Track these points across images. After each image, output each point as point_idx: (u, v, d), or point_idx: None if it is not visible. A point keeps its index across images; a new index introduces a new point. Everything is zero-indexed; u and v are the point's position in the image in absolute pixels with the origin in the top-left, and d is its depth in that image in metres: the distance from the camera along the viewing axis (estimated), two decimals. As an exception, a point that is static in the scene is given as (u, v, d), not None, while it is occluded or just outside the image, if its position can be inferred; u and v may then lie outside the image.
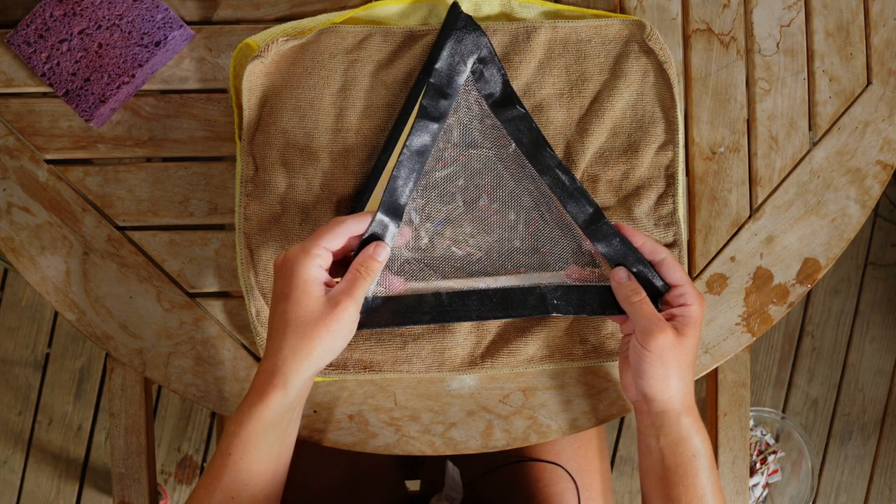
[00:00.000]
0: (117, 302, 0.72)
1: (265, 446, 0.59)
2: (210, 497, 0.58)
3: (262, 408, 0.59)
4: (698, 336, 0.64)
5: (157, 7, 0.69)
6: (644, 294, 0.63)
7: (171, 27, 0.70)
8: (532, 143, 0.68)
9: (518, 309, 0.66)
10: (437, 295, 0.66)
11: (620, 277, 0.65)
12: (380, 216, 0.63)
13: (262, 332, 0.69)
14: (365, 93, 0.71)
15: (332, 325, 0.58)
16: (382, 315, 0.65)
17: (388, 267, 0.66)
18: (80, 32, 0.69)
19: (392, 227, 0.64)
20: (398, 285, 0.66)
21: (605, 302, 0.66)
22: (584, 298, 0.66)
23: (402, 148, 0.65)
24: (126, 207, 0.73)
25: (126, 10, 0.69)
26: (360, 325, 0.63)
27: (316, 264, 0.59)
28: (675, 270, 0.64)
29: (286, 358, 0.59)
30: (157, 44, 0.69)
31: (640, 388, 0.63)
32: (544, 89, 0.72)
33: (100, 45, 0.69)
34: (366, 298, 0.65)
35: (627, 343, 0.65)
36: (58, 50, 0.69)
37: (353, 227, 0.61)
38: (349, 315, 0.59)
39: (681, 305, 0.63)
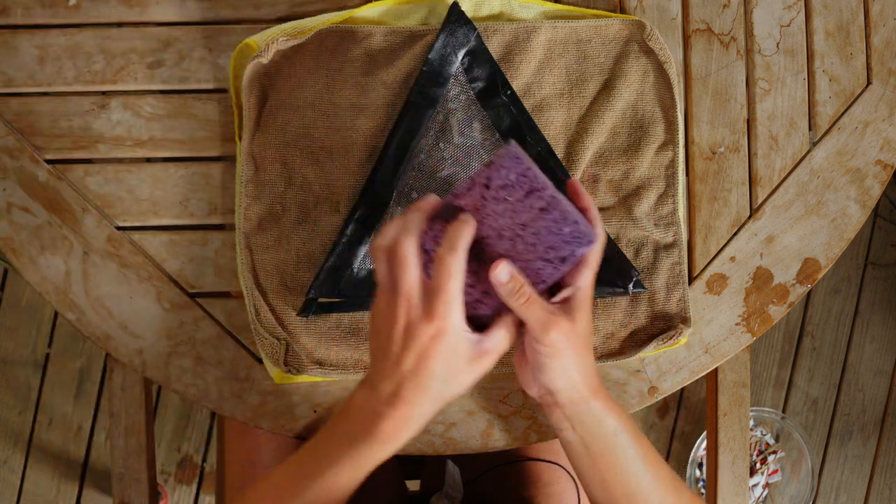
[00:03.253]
0: (117, 302, 0.72)
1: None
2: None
3: (392, 451, 0.58)
4: (590, 312, 0.59)
5: (566, 220, 0.56)
6: (529, 292, 0.57)
7: (579, 242, 0.57)
8: (509, 130, 0.70)
9: None
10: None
11: (500, 277, 0.57)
12: (373, 193, 0.69)
13: (262, 333, 0.69)
14: (365, 92, 0.71)
15: (475, 377, 0.58)
16: (366, 286, 0.69)
17: None
18: (479, 241, 0.58)
19: (382, 206, 0.69)
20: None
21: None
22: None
23: (395, 130, 0.69)
24: (126, 207, 0.73)
25: (531, 219, 0.57)
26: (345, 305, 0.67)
27: (461, 319, 0.56)
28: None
29: (428, 409, 0.57)
30: (563, 259, 0.57)
31: (542, 383, 0.60)
32: (544, 89, 0.72)
33: (499, 257, 0.58)
34: (350, 270, 0.69)
35: (522, 340, 0.62)
36: None
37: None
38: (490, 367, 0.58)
39: (569, 286, 0.59)
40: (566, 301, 0.59)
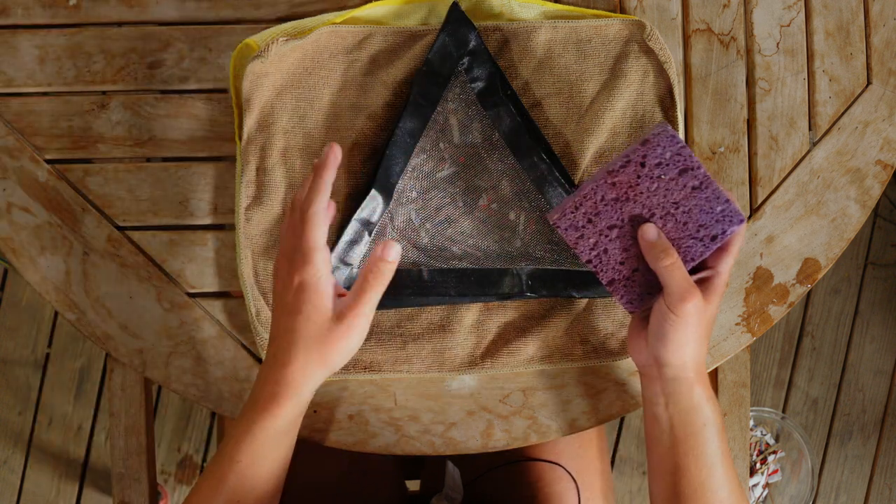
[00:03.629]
0: (117, 302, 0.72)
1: (273, 453, 0.60)
2: (213, 499, 0.59)
3: (274, 418, 0.59)
4: (719, 304, 0.63)
5: (718, 198, 0.60)
6: (676, 256, 0.60)
7: (730, 221, 0.60)
8: (510, 131, 0.70)
9: (495, 288, 0.69)
10: (418, 271, 0.68)
11: (650, 236, 0.60)
12: (374, 193, 0.68)
13: (262, 333, 0.69)
14: (365, 93, 0.71)
15: (341, 343, 0.58)
16: None
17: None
18: (631, 219, 0.61)
19: (381, 206, 0.69)
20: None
21: (579, 284, 0.69)
22: (560, 280, 0.69)
23: (395, 130, 0.69)
24: (126, 207, 0.73)
25: (684, 198, 0.60)
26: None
27: (324, 275, 0.58)
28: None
29: (297, 371, 0.59)
30: (714, 238, 0.60)
31: (655, 352, 0.61)
32: (544, 89, 0.72)
33: None
34: (350, 270, 0.69)
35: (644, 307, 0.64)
36: (606, 236, 0.61)
37: (324, 205, 0.59)
38: (360, 329, 0.58)
39: (710, 268, 0.61)
40: (704, 282, 0.61)
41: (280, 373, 0.59)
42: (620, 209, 0.61)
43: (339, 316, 0.58)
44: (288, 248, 0.60)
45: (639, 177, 0.59)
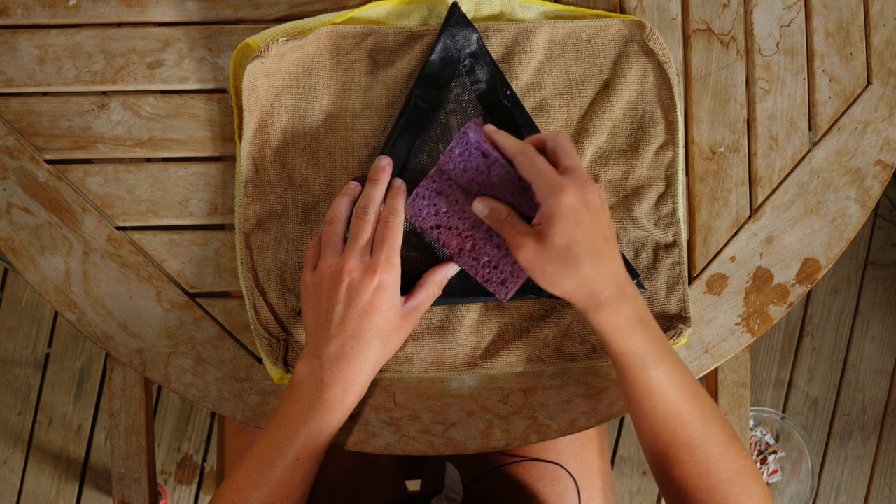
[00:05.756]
0: (117, 302, 0.72)
1: (325, 451, 0.65)
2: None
3: (343, 416, 0.63)
4: (567, 226, 0.57)
5: (503, 164, 0.63)
6: (506, 215, 0.61)
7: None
8: (509, 131, 0.70)
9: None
10: (419, 272, 0.68)
11: (479, 210, 0.63)
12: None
13: (262, 333, 0.69)
14: (365, 93, 0.71)
15: (402, 336, 0.65)
16: None
17: None
18: (475, 222, 0.66)
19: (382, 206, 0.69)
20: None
21: None
22: None
23: (395, 131, 0.69)
24: (126, 207, 0.73)
25: (490, 178, 0.65)
26: None
27: (399, 278, 0.63)
28: (524, 169, 0.60)
29: (372, 368, 0.63)
30: (524, 188, 0.63)
31: (549, 289, 0.61)
32: (544, 90, 0.72)
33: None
34: None
35: None
36: (468, 237, 0.66)
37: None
38: (416, 323, 0.66)
39: (539, 205, 0.59)
40: (539, 223, 0.60)
41: (351, 370, 0.62)
42: (461, 212, 0.65)
43: (409, 316, 0.64)
44: (357, 251, 0.63)
45: (452, 178, 0.65)
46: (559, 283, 0.59)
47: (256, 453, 0.62)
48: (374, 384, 0.71)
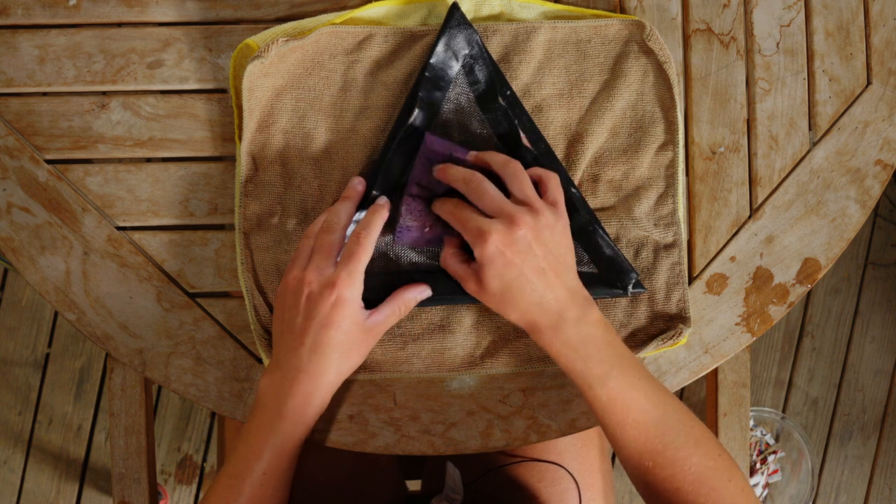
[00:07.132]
0: (117, 302, 0.72)
1: (294, 464, 0.65)
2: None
3: (306, 428, 0.64)
4: (496, 271, 0.61)
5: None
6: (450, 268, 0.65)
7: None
8: (509, 132, 0.70)
9: None
10: (409, 273, 0.68)
11: (440, 207, 0.65)
12: (374, 195, 0.68)
13: (262, 333, 0.69)
14: (365, 93, 0.71)
15: (363, 353, 0.64)
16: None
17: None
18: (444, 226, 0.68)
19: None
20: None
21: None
22: None
23: (395, 132, 0.69)
24: (126, 207, 0.73)
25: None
26: None
27: (360, 293, 0.63)
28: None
29: (331, 381, 0.63)
30: None
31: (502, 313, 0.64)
32: (544, 90, 0.72)
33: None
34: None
35: None
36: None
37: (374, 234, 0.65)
38: (377, 340, 0.66)
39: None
40: (476, 266, 0.63)
41: (309, 384, 0.62)
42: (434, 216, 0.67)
43: (369, 330, 0.64)
44: (318, 265, 0.63)
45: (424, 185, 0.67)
46: (505, 314, 0.63)
47: (228, 469, 0.63)
48: (375, 384, 0.71)
